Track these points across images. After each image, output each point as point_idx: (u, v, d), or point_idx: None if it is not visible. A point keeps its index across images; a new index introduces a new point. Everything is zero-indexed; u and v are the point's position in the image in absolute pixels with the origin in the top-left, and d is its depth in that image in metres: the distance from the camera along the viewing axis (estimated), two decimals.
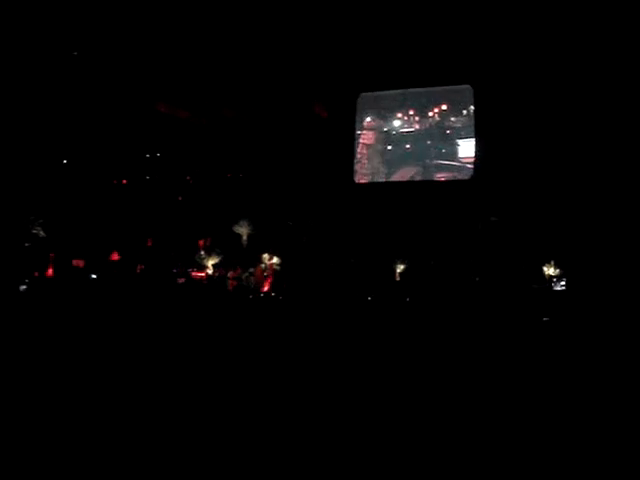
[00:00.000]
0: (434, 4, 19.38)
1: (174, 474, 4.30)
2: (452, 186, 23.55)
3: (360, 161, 25.22)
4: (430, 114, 24.44)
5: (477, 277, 21.28)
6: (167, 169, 24.16)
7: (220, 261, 22.04)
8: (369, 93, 24.66)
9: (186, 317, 13.41)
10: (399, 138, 24.95)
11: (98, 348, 8.79)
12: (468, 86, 22.89)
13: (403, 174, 24.84)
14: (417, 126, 24.76)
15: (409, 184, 24.28)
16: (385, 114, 25.01)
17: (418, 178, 24.50)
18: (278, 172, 23.71)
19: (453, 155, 24.12)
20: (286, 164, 23.65)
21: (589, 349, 9.91)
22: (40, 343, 8.89)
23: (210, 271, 21.92)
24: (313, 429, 5.28)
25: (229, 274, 22.19)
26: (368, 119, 25.27)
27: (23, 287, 16.85)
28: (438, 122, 24.36)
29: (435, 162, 24.43)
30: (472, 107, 23.39)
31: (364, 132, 25.35)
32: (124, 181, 23.73)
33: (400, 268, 22.85)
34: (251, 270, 22.26)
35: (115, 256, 22.19)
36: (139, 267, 21.97)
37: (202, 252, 22.23)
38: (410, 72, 22.05)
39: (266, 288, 22.06)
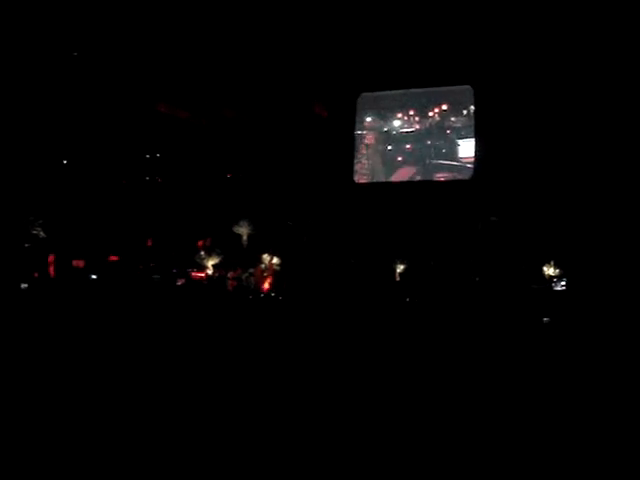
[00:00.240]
0: (434, 4, 19.38)
1: (174, 474, 4.30)
2: (452, 186, 23.54)
3: (360, 161, 25.21)
4: (430, 114, 24.43)
5: (477, 277, 21.28)
6: (167, 169, 24.14)
7: (220, 261, 22.03)
8: (369, 93, 24.64)
9: (186, 317, 13.42)
10: (399, 138, 24.94)
11: (98, 348, 8.79)
12: (468, 86, 22.87)
13: (403, 174, 24.83)
14: (417, 126, 24.75)
15: (409, 184, 24.26)
16: (385, 114, 25.00)
17: (418, 178, 24.48)
18: (278, 172, 23.69)
19: (453, 155, 24.10)
20: (286, 164, 23.64)
21: (590, 349, 9.90)
22: (40, 343, 8.89)
23: (210, 271, 21.92)
24: (313, 428, 5.27)
25: (229, 274, 22.19)
26: (368, 119, 25.26)
27: (24, 285, 16.88)
28: (438, 122, 24.35)
29: (435, 162, 24.42)
30: (472, 107, 23.38)
31: (364, 132, 25.34)
32: (124, 181, 23.71)
33: (400, 268, 22.85)
34: (251, 270, 22.26)
35: (115, 257, 22.19)
36: (139, 267, 21.96)
37: (202, 252, 22.22)
38: (410, 72, 22.03)
39: (266, 288, 22.07)
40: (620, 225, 18.51)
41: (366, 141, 25.31)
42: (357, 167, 25.16)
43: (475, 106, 23.17)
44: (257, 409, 5.88)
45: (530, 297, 18.39)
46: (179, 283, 21.52)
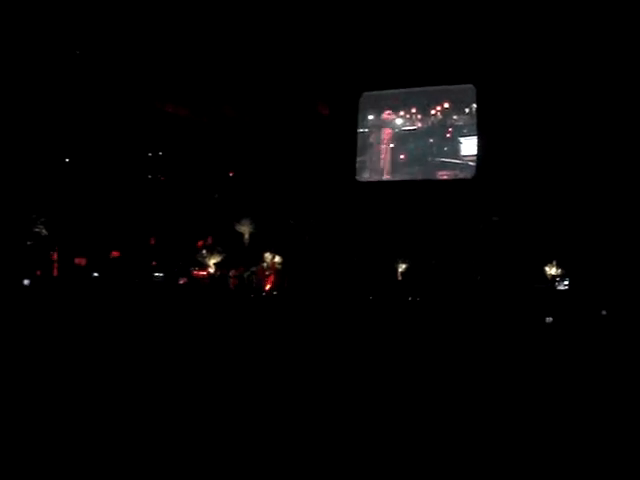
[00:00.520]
0: (437, 4, 19.35)
1: (174, 470, 4.30)
2: (454, 185, 23.51)
3: (362, 159, 25.18)
4: (432, 112, 24.38)
5: (479, 276, 21.25)
6: (169, 168, 24.14)
7: (222, 260, 22.03)
8: (372, 92, 24.60)
9: (187, 315, 13.43)
10: (402, 136, 24.90)
11: (100, 344, 8.80)
12: (471, 85, 22.82)
13: (405, 173, 24.81)
14: (419, 124, 24.71)
15: (411, 183, 24.22)
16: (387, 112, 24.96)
17: (420, 177, 24.45)
18: (280, 171, 23.67)
19: (455, 153, 24.06)
20: (288, 163, 23.62)
21: (592, 348, 9.90)
22: (43, 340, 8.90)
23: (212, 270, 21.92)
24: (314, 426, 5.27)
25: (231, 273, 22.18)
26: (370, 117, 25.22)
27: (27, 281, 16.91)
28: (440, 120, 24.30)
29: (437, 160, 24.38)
30: (474, 105, 23.33)
31: (367, 131, 25.31)
32: (126, 180, 23.70)
33: (402, 267, 22.83)
34: (253, 269, 22.25)
35: (116, 254, 22.20)
36: (141, 265, 21.97)
37: (204, 251, 22.22)
38: (413, 72, 22.00)
39: (268, 287, 22.06)
40: (622, 224, 18.47)
41: (369, 140, 25.29)
42: (359, 165, 25.14)
43: (477, 105, 23.13)
44: (258, 406, 5.88)
45: (532, 296, 18.37)
46: (181, 282, 21.52)
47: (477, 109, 23.28)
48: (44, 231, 20.76)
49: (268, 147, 23.76)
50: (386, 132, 25.12)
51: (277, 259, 22.45)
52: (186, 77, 22.59)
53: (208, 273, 21.89)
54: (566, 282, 20.29)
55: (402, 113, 24.79)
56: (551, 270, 20.53)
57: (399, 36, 20.56)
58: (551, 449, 4.96)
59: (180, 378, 7.10)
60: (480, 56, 20.84)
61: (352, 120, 24.62)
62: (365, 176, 25.18)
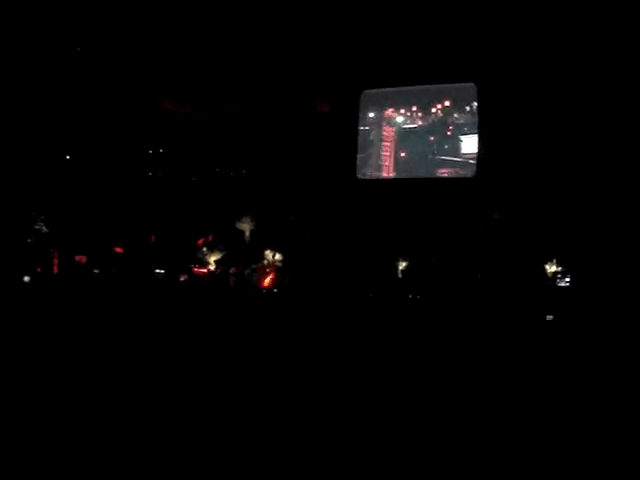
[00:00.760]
0: (438, 2, 19.32)
1: (174, 469, 4.30)
2: (455, 183, 23.49)
3: (363, 157, 25.15)
4: (433, 110, 24.34)
5: (479, 275, 21.26)
6: (169, 165, 24.15)
7: (222, 257, 22.06)
8: (372, 90, 24.57)
9: (188, 311, 13.43)
10: (402, 134, 24.87)
11: (100, 342, 8.81)
12: (472, 84, 22.79)
13: (406, 170, 24.78)
14: (420, 122, 24.69)
15: (411, 180, 24.21)
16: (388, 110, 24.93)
17: (421, 174, 24.42)
18: (280, 168, 23.68)
19: (456, 151, 24.04)
20: (288, 160, 23.62)
21: (593, 346, 9.90)
22: (44, 337, 8.91)
23: (212, 267, 21.94)
24: (314, 425, 5.28)
25: (231, 270, 22.21)
26: (371, 115, 25.18)
27: (27, 278, 16.93)
28: (441, 118, 24.27)
29: (438, 158, 24.34)
30: (475, 104, 23.31)
31: (367, 128, 25.27)
32: (126, 177, 23.71)
33: (402, 265, 22.83)
34: (253, 266, 22.27)
35: (118, 252, 22.22)
36: (142, 263, 21.99)
37: (204, 248, 22.25)
38: (414, 70, 21.98)
39: (268, 284, 22.07)
40: (624, 222, 18.47)
41: (369, 137, 25.26)
42: (359, 163, 25.11)
43: (478, 102, 23.11)
44: (257, 405, 5.88)
45: (533, 294, 18.39)
46: (182, 279, 21.57)
47: (478, 107, 23.26)
48: (44, 228, 20.77)
49: (268, 145, 23.76)
50: (387, 130, 25.10)
51: (277, 256, 22.47)
52: (186, 74, 22.58)
53: (209, 270, 21.92)
54: (567, 279, 20.30)
55: (403, 111, 24.76)
56: (551, 268, 20.54)
57: (400, 34, 20.53)
58: (552, 447, 4.97)
59: (181, 373, 7.11)
60: (481, 54, 20.82)
61: (353, 118, 24.60)
62: (366, 174, 25.15)
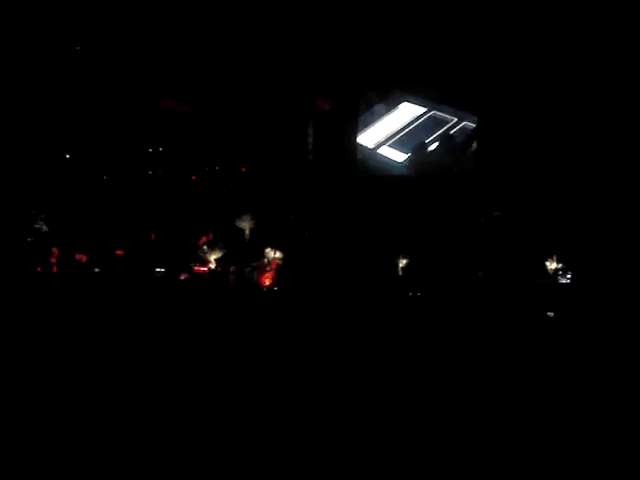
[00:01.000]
0: (439, 2, 19.36)
1: (174, 469, 4.29)
2: (454, 179, 23.49)
3: (362, 155, 25.14)
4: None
5: (480, 272, 21.25)
6: (169, 164, 24.16)
7: (223, 255, 22.06)
8: (373, 88, 24.56)
9: (188, 309, 13.44)
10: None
11: (101, 340, 8.81)
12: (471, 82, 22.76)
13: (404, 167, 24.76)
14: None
15: (411, 177, 24.19)
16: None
17: (421, 171, 24.38)
18: (280, 167, 23.68)
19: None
20: (288, 159, 23.62)
21: (595, 343, 9.89)
22: (44, 337, 8.90)
23: (213, 265, 21.94)
24: (314, 424, 5.27)
25: (231, 268, 22.20)
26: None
27: (27, 277, 16.96)
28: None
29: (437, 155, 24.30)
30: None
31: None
32: (126, 176, 23.72)
33: (402, 262, 22.81)
34: (254, 264, 22.27)
35: (118, 250, 22.24)
36: (142, 261, 22.02)
37: (205, 247, 22.26)
38: (414, 69, 21.99)
39: (268, 282, 22.07)
40: (626, 219, 18.46)
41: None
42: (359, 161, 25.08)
43: (478, 99, 23.08)
44: (258, 404, 5.87)
45: (533, 292, 18.37)
46: (182, 277, 21.60)
47: (477, 104, 23.24)
48: (44, 227, 20.77)
49: (268, 143, 23.76)
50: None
51: (277, 254, 22.46)
52: (186, 72, 22.57)
53: (209, 269, 21.93)
54: (568, 276, 20.28)
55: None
56: (551, 265, 20.52)
57: (400, 33, 20.54)
58: (553, 445, 4.97)
59: (181, 371, 7.11)
60: (481, 52, 20.84)
61: (353, 116, 24.61)
62: (365, 171, 25.13)
